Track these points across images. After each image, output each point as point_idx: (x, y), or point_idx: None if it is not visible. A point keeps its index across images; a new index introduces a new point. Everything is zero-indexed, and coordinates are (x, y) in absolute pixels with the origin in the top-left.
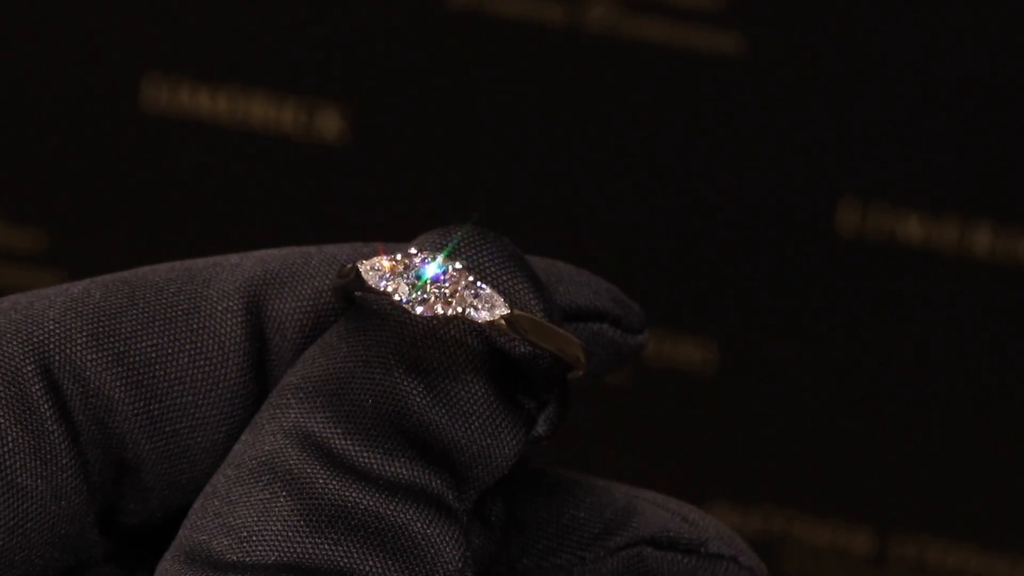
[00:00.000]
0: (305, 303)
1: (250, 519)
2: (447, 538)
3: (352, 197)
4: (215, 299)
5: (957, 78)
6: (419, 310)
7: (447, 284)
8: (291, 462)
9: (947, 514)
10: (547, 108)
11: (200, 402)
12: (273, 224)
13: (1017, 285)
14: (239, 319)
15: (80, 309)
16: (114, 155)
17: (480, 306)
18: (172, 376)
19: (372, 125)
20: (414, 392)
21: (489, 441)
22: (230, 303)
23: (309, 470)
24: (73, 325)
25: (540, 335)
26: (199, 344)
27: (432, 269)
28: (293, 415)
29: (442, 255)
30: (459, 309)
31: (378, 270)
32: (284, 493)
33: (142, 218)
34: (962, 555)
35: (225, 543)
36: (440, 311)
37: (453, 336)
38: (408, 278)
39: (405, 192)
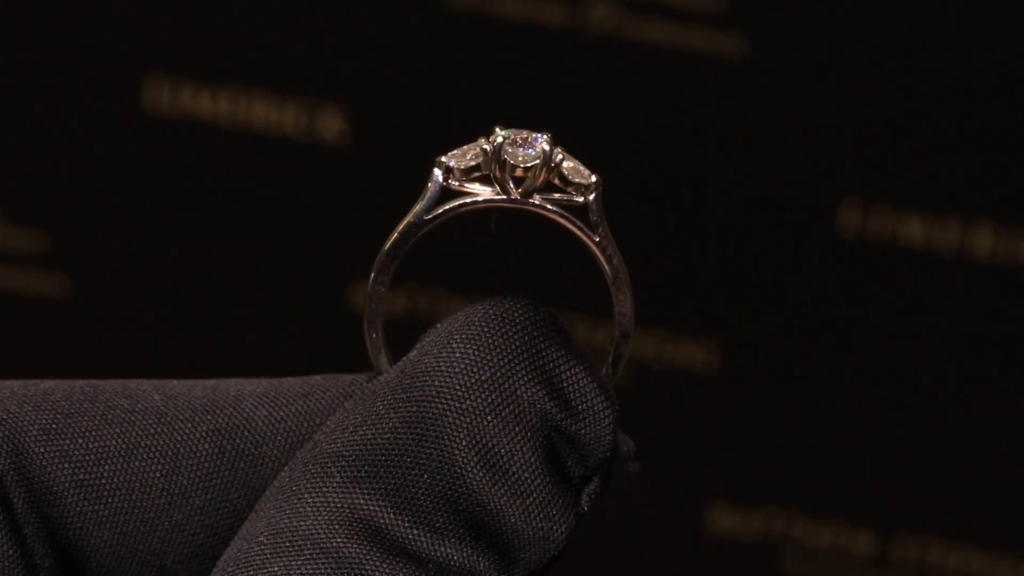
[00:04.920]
0: (289, 413)
1: None
2: None
3: (353, 198)
4: (179, 408)
5: (957, 78)
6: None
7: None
8: (337, 539)
9: (949, 515)
10: (548, 109)
11: (153, 504)
12: (274, 225)
13: (1017, 285)
14: (203, 428)
15: (39, 403)
16: (115, 156)
17: (579, 177)
18: (121, 476)
19: (373, 127)
20: (472, 469)
21: (544, 524)
22: (194, 414)
23: (356, 549)
24: (28, 418)
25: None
26: (155, 446)
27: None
28: (337, 486)
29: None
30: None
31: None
32: (329, 571)
33: (143, 219)
34: (964, 556)
35: None
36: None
37: (511, 410)
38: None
39: (406, 194)
